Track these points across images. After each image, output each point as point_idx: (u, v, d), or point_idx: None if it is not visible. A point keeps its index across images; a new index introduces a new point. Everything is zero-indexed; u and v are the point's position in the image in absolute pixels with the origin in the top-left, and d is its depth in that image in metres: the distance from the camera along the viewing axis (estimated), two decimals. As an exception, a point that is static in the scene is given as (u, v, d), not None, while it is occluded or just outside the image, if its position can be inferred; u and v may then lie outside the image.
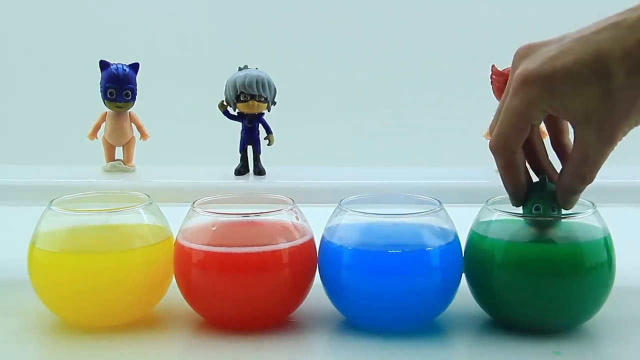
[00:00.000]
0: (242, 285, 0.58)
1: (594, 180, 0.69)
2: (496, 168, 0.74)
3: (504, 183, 0.60)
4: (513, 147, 0.57)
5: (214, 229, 0.61)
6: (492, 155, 0.58)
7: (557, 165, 0.61)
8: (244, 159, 0.74)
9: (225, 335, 0.60)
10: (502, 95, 0.58)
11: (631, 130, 0.54)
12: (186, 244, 0.60)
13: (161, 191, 0.68)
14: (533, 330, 0.59)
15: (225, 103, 0.72)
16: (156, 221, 0.63)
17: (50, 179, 0.73)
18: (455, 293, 0.60)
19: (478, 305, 0.62)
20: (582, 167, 0.56)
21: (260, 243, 0.59)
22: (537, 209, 0.60)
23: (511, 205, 0.61)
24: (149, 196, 0.64)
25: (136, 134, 0.76)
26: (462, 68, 1.26)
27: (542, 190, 0.60)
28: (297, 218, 0.62)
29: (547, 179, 0.60)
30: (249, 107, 0.71)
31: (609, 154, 0.55)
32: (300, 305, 0.63)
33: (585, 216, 0.59)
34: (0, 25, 1.38)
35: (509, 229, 0.60)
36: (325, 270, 0.61)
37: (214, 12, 1.37)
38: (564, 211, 0.59)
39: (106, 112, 0.75)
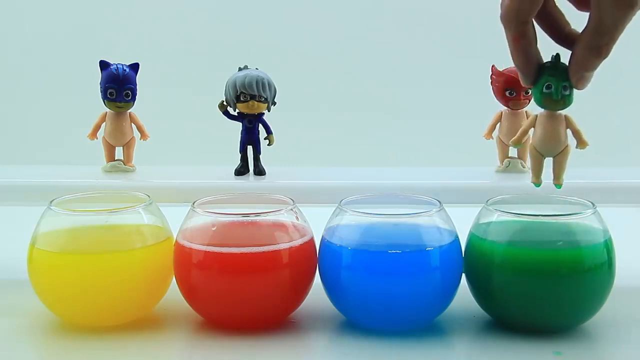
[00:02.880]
0: (242, 285, 0.58)
1: (595, 180, 0.69)
2: (497, 165, 0.75)
3: (513, 59, 0.57)
4: (525, 17, 0.53)
5: (214, 229, 0.61)
6: (502, 26, 0.55)
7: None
8: (244, 159, 0.74)
9: (225, 335, 0.60)
10: None
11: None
12: (186, 244, 0.60)
13: (161, 191, 0.68)
14: (533, 330, 0.59)
15: (225, 103, 0.72)
16: (156, 221, 0.63)
17: (50, 179, 0.73)
18: (455, 293, 0.60)
19: (478, 305, 0.62)
20: (598, 38, 0.52)
21: (260, 243, 0.59)
22: (548, 87, 0.58)
23: (522, 84, 0.59)
24: (149, 196, 0.64)
25: (136, 134, 0.76)
26: (462, 68, 1.26)
27: (554, 68, 0.58)
28: (297, 218, 0.62)
29: (559, 57, 0.58)
30: (249, 107, 0.71)
31: (626, 24, 0.51)
32: (300, 305, 0.63)
33: (585, 216, 0.59)
34: (0, 25, 1.38)
35: (509, 230, 0.60)
36: (325, 270, 0.61)
37: (214, 12, 1.37)
38: (564, 211, 0.59)
39: (106, 112, 0.75)
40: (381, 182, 0.71)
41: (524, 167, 0.73)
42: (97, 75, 0.73)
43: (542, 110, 0.62)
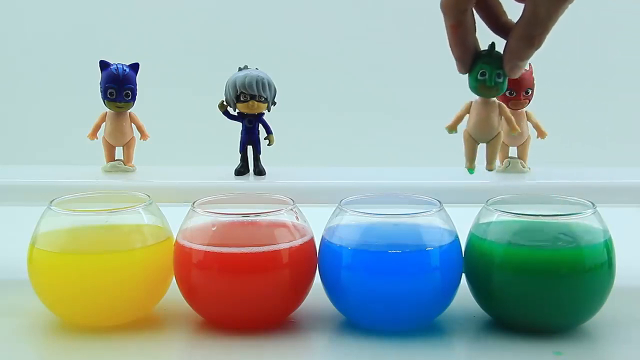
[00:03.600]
0: (242, 285, 0.58)
1: (595, 180, 0.70)
2: (497, 165, 0.75)
3: (450, 46, 0.60)
4: (464, 6, 0.56)
5: (214, 229, 0.61)
6: (442, 14, 0.58)
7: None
8: (244, 159, 0.74)
9: (225, 335, 0.60)
10: None
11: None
12: (186, 244, 0.60)
13: (161, 191, 0.68)
14: (533, 330, 0.59)
15: (225, 103, 0.72)
16: (156, 221, 0.63)
17: (50, 179, 0.72)
18: (455, 293, 0.60)
19: (478, 305, 0.62)
20: (532, 29, 0.55)
21: (260, 243, 0.59)
22: (482, 74, 0.62)
23: (458, 71, 0.62)
24: (149, 196, 0.64)
25: (136, 134, 0.76)
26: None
27: (489, 56, 0.61)
28: (297, 218, 0.62)
29: (494, 46, 0.61)
30: (249, 107, 0.71)
31: (559, 15, 0.54)
32: (300, 305, 0.63)
33: (585, 216, 0.59)
34: (0, 25, 1.38)
35: (509, 230, 0.60)
36: (325, 270, 0.61)
37: (214, 12, 1.37)
38: (564, 211, 0.59)
39: (106, 112, 0.75)
40: (381, 182, 0.71)
41: (524, 167, 0.73)
42: (97, 75, 0.73)
43: (477, 97, 0.65)
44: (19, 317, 0.64)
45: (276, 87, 0.73)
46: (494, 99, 0.65)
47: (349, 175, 0.74)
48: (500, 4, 0.60)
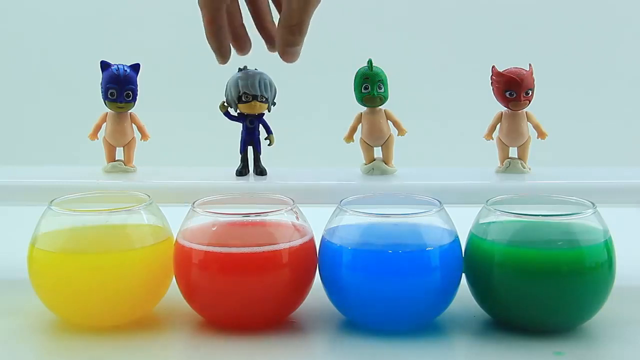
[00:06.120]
0: (242, 285, 0.58)
1: (595, 181, 0.70)
2: (496, 168, 0.75)
3: (207, 39, 0.67)
4: (217, 4, 0.64)
5: (214, 229, 0.61)
6: (200, 11, 0.65)
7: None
8: (245, 159, 0.74)
9: (225, 335, 0.60)
10: None
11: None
12: (186, 244, 0.60)
13: (161, 191, 0.68)
14: (533, 330, 0.59)
15: (226, 104, 0.73)
16: (156, 221, 0.63)
17: (50, 179, 0.72)
18: (455, 293, 0.60)
19: (478, 305, 0.62)
20: (290, 20, 0.63)
21: (260, 243, 0.59)
22: (365, 87, 0.69)
23: (218, 63, 0.68)
24: (149, 196, 0.64)
25: (137, 134, 0.76)
26: (462, 68, 1.26)
27: (369, 71, 0.69)
28: (297, 218, 0.62)
29: (372, 62, 0.69)
30: (250, 107, 0.71)
31: (310, 11, 0.63)
32: (300, 305, 0.63)
33: (585, 216, 0.59)
34: (0, 25, 1.38)
35: (509, 230, 0.60)
36: (325, 270, 0.61)
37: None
38: (564, 211, 0.59)
39: (107, 113, 0.75)
40: (381, 182, 0.71)
41: (524, 168, 0.73)
42: (98, 75, 0.73)
43: (365, 108, 0.72)
44: (19, 317, 0.64)
45: (276, 87, 0.73)
46: (380, 107, 0.71)
47: (349, 176, 0.74)
48: (268, 7, 0.70)
